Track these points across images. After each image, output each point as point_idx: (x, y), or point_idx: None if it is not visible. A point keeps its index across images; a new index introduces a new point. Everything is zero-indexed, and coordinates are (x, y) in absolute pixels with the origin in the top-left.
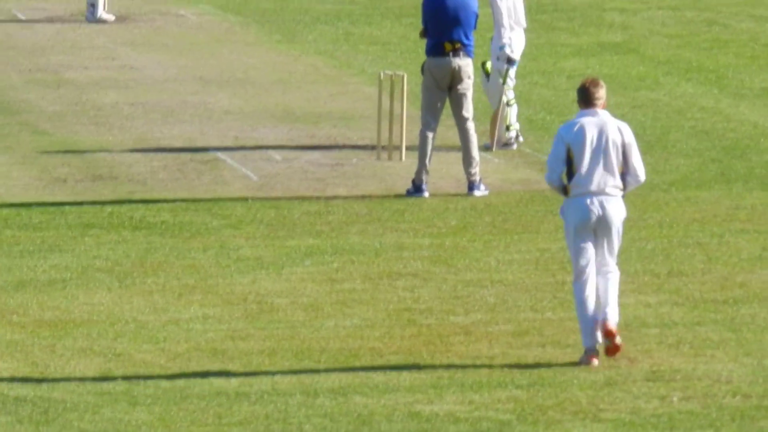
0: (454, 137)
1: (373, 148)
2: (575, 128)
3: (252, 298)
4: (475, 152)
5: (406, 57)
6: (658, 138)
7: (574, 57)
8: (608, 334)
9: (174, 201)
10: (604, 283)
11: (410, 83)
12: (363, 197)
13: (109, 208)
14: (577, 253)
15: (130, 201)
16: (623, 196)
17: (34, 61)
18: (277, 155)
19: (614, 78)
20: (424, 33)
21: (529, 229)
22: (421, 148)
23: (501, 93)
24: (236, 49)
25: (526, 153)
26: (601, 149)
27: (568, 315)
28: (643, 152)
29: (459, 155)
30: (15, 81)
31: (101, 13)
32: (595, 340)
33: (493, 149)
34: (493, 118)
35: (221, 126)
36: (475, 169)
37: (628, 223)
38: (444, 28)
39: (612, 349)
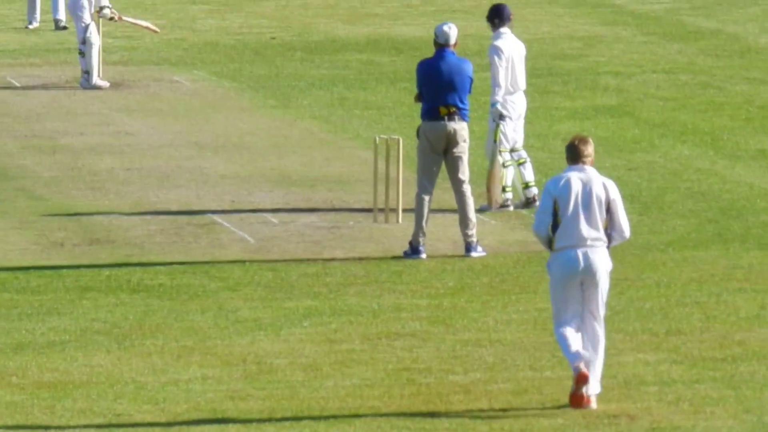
0: (450, 200)
1: (369, 210)
2: (562, 182)
3: (251, 359)
4: (472, 214)
5: (401, 121)
6: (655, 199)
7: (570, 120)
8: (580, 379)
9: (171, 264)
10: (591, 343)
11: (406, 147)
12: (360, 259)
13: (106, 272)
14: (561, 304)
15: (128, 264)
16: (608, 248)
17: (29, 127)
18: (273, 218)
19: (609, 141)
20: (419, 97)
21: (526, 290)
22: (418, 211)
23: (495, 153)
24: (231, 114)
25: (522, 215)
26: (585, 203)
27: (567, 374)
28: (640, 213)
29: (455, 217)
30: (11, 147)
31: (96, 80)
32: (579, 356)
33: (491, 210)
34: (489, 178)
35: (217, 190)
36: (472, 231)
37: (625, 283)
38: (439, 92)
39: (576, 399)
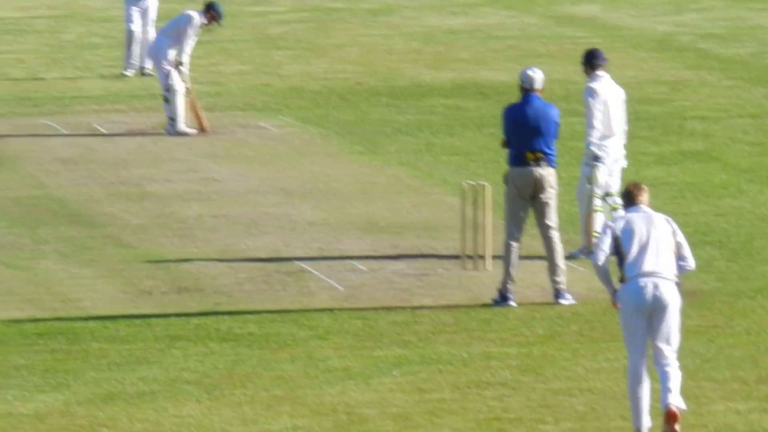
0: (538, 246)
1: (457, 257)
2: (623, 220)
3: (341, 409)
4: (560, 261)
5: (488, 167)
6: (743, 245)
7: (656, 165)
8: (669, 418)
9: (260, 312)
10: (664, 375)
11: (493, 193)
12: (449, 307)
13: (195, 320)
14: (630, 340)
15: (217, 313)
16: (677, 284)
17: (116, 174)
18: (362, 266)
19: (696, 186)
20: (506, 143)
21: (616, 338)
22: (506, 258)
23: (589, 197)
24: (318, 160)
25: (611, 261)
26: (650, 235)
27: (656, 423)
28: (728, 260)
29: (544, 264)
30: (98, 194)
31: (182, 126)
32: (642, 423)
33: (582, 256)
34: (586, 222)
35: (305, 237)
36: (561, 278)
37: (715, 331)
38: (525, 138)
39: None
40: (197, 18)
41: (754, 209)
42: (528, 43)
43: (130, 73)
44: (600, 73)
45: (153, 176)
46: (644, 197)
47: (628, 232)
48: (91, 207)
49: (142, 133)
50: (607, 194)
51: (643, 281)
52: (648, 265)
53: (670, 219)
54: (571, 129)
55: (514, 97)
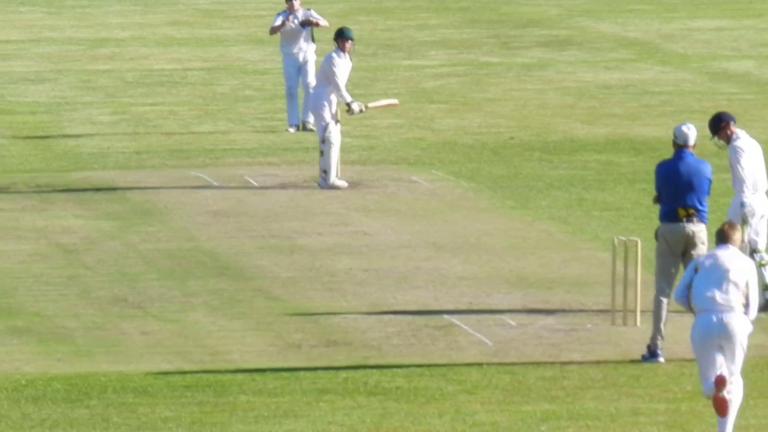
0: None
1: (607, 313)
2: (707, 256)
3: None
4: None
5: (639, 222)
6: None
7: None
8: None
9: (409, 366)
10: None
11: (644, 248)
12: (598, 362)
13: (343, 374)
14: (703, 364)
15: (365, 366)
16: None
17: (267, 227)
18: (511, 320)
19: None
20: (658, 199)
21: (765, 395)
22: (656, 314)
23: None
24: (469, 214)
25: (761, 318)
26: (725, 272)
27: None
28: None
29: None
30: (248, 247)
31: (333, 179)
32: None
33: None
34: None
35: (455, 291)
36: None
37: None
38: (677, 193)
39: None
40: (335, 55)
41: None
42: (682, 99)
43: (292, 129)
44: (738, 131)
45: (304, 229)
46: (737, 236)
47: (704, 265)
48: (241, 260)
49: (294, 186)
50: (754, 251)
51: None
52: (715, 300)
53: (749, 262)
54: (723, 185)
55: (667, 152)
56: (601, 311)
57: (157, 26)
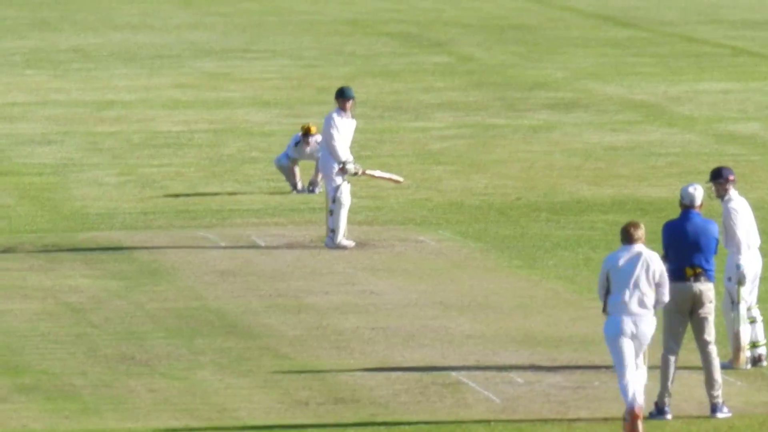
0: (695, 360)
1: (614, 370)
2: (616, 257)
3: None
4: (718, 375)
5: None
6: None
7: None
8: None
9: (416, 424)
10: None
11: None
12: (606, 420)
13: (351, 431)
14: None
15: (373, 424)
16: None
17: (274, 286)
18: (519, 378)
19: None
20: (665, 258)
21: None
22: (663, 371)
23: (735, 316)
24: (476, 274)
25: (767, 375)
26: (633, 275)
27: None
28: None
29: (701, 378)
30: (256, 306)
31: (341, 239)
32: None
33: (734, 367)
34: (732, 339)
35: (462, 350)
36: (718, 392)
37: None
38: (685, 253)
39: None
40: (335, 115)
41: None
42: (688, 160)
43: (299, 187)
44: (732, 191)
45: (311, 288)
46: (639, 233)
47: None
48: (249, 318)
49: (301, 246)
50: (748, 309)
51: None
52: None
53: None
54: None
55: (674, 213)
56: (608, 369)
57: (163, 89)
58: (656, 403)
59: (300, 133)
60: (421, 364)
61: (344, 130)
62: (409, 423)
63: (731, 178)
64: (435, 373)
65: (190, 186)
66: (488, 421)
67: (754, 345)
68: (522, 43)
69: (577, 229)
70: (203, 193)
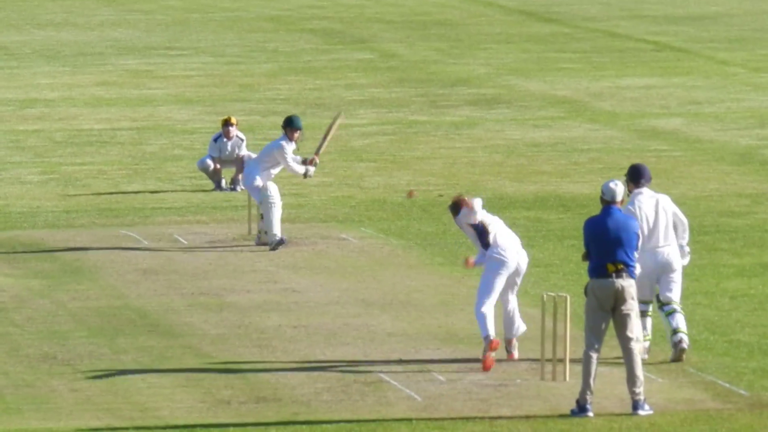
0: (617, 357)
1: (536, 368)
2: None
3: None
4: (639, 372)
5: (568, 278)
6: None
7: (737, 277)
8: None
9: (338, 422)
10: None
11: (573, 304)
12: (527, 417)
13: (273, 430)
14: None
15: (295, 422)
16: None
17: (196, 284)
18: (440, 376)
19: None
20: (587, 255)
21: None
22: (585, 369)
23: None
24: (398, 271)
25: (690, 373)
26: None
27: None
28: None
29: (623, 375)
30: (178, 304)
31: (278, 234)
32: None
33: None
34: None
35: (384, 348)
36: (640, 389)
37: None
38: (606, 249)
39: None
40: (284, 144)
41: None
42: (610, 156)
43: (223, 185)
44: (638, 190)
45: (233, 287)
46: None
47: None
48: (171, 317)
49: (223, 244)
50: (662, 303)
51: None
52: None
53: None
54: None
55: (596, 209)
56: (530, 367)
57: (86, 87)
58: (578, 401)
59: (219, 133)
60: (343, 362)
61: (291, 155)
62: (330, 422)
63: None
64: (357, 372)
65: (112, 184)
66: (410, 420)
67: (674, 332)
68: (444, 39)
69: None
70: (126, 192)
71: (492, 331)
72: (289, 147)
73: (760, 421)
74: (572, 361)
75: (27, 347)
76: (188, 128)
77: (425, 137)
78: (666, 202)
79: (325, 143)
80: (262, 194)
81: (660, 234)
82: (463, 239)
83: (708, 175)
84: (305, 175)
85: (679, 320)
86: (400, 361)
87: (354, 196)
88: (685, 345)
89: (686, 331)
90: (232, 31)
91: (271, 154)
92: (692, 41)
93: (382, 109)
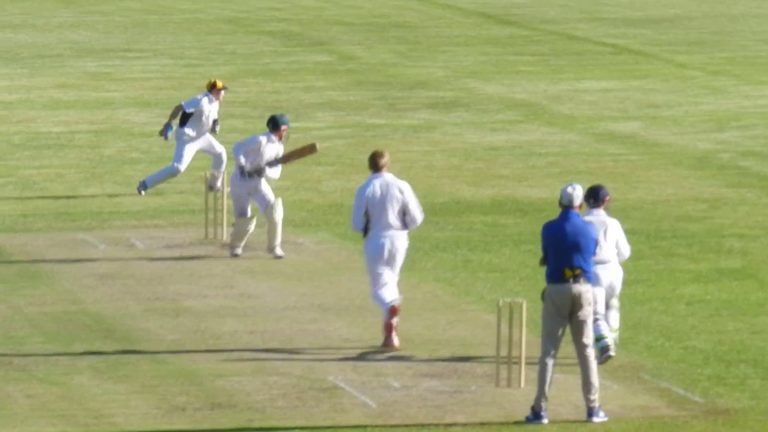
0: (573, 363)
1: (492, 374)
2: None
3: None
4: (595, 379)
5: (525, 284)
6: None
7: (693, 283)
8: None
9: (293, 429)
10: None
11: (529, 310)
12: (482, 424)
13: None
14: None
15: (249, 429)
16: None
17: (152, 289)
18: (395, 383)
19: (733, 304)
20: (544, 260)
21: None
22: (541, 375)
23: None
24: (355, 276)
25: (645, 380)
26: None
27: None
28: (762, 378)
29: (578, 381)
30: (133, 310)
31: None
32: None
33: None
34: None
35: (339, 354)
36: (595, 396)
37: None
38: (564, 254)
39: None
40: (261, 137)
41: None
42: (568, 159)
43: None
44: (595, 211)
45: (189, 292)
46: (385, 160)
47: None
48: (127, 322)
49: (180, 249)
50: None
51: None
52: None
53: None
54: None
55: (554, 213)
56: (485, 373)
57: (44, 89)
58: (533, 408)
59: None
60: (299, 368)
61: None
62: (285, 428)
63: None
64: (312, 378)
65: (70, 188)
66: (365, 426)
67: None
68: (403, 41)
69: (456, 231)
70: (83, 195)
71: (390, 299)
72: (265, 143)
73: (715, 428)
74: (528, 363)
75: None
76: (146, 131)
77: (383, 140)
78: (614, 227)
79: (285, 162)
80: (266, 207)
81: (611, 249)
82: (419, 244)
83: (665, 179)
84: (242, 169)
85: (603, 327)
86: (355, 368)
87: (311, 200)
88: (611, 353)
89: (610, 335)
90: (191, 33)
91: (252, 146)
92: (651, 44)
93: (341, 112)
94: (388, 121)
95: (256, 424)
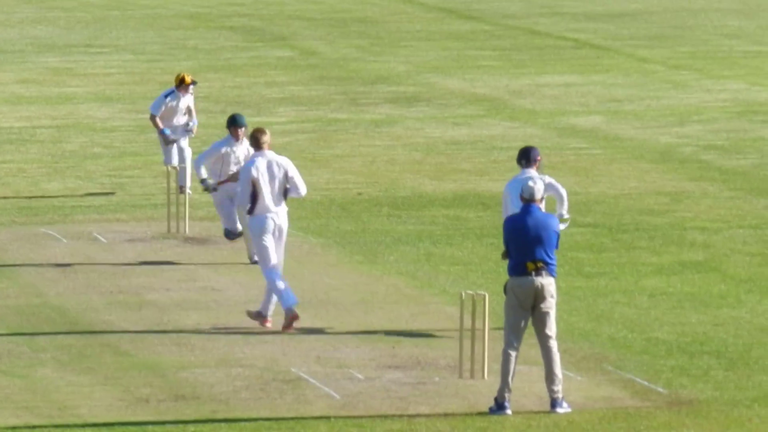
0: (536, 355)
1: (455, 366)
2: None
3: None
4: (558, 370)
5: (487, 277)
6: (741, 355)
7: (656, 276)
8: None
9: (257, 420)
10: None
11: (492, 303)
12: (446, 415)
13: (192, 428)
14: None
15: (213, 420)
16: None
17: (115, 283)
18: (359, 374)
19: (696, 296)
20: (506, 253)
21: None
22: (504, 367)
23: None
24: (317, 270)
25: (608, 371)
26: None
27: None
28: (726, 369)
29: (541, 373)
30: (96, 303)
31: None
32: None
33: None
34: None
35: (303, 346)
36: (558, 387)
37: None
38: (526, 247)
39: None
40: (224, 143)
41: (752, 319)
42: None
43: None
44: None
45: (152, 285)
46: (266, 138)
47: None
48: (90, 315)
49: (143, 242)
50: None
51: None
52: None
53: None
54: (571, 239)
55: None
56: (448, 365)
57: (5, 84)
58: (496, 399)
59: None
60: (262, 360)
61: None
62: (249, 419)
63: (538, 158)
64: (275, 370)
65: (32, 182)
66: (328, 417)
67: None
68: (364, 36)
69: (419, 224)
70: (45, 190)
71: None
72: (227, 146)
73: (678, 419)
74: (491, 355)
75: None
76: (108, 126)
77: (345, 135)
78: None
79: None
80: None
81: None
82: (382, 237)
83: (627, 173)
84: (203, 182)
85: None
86: (318, 359)
87: None
88: None
89: None
90: (152, 29)
91: (216, 153)
92: (612, 38)
93: (302, 107)
94: (349, 116)
95: (220, 416)
